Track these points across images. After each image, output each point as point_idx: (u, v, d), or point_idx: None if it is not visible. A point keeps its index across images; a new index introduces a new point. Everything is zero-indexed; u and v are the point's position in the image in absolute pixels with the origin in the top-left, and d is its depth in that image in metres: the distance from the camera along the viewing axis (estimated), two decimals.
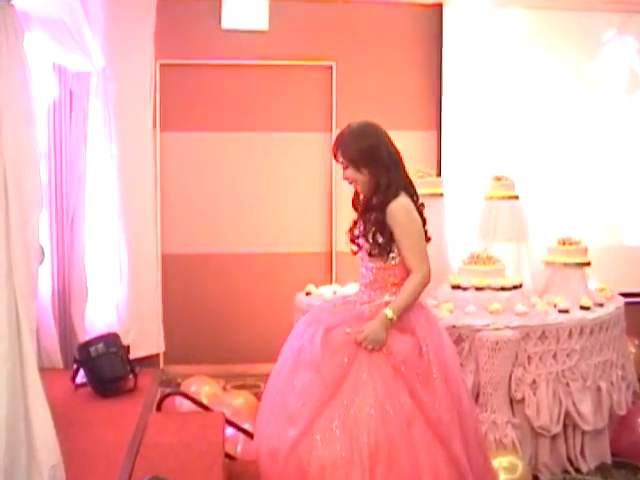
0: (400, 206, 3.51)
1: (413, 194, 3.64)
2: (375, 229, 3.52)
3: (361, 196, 3.66)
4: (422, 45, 6.65)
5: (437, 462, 3.32)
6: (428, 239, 3.64)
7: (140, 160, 6.10)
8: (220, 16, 6.34)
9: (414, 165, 5.64)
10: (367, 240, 3.56)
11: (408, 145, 6.41)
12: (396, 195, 3.52)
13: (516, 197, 5.33)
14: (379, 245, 3.52)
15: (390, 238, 3.51)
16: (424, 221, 3.63)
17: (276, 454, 3.44)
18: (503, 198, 5.29)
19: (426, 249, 3.59)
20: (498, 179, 5.35)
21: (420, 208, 3.64)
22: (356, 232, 3.65)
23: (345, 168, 3.58)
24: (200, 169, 6.50)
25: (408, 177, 3.66)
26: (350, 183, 3.62)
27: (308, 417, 3.40)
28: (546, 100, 6.60)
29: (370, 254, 3.55)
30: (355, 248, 3.68)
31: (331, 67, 6.53)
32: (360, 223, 3.63)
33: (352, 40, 6.54)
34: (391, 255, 3.53)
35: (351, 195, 3.75)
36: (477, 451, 3.54)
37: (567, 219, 6.41)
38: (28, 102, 3.57)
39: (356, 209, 3.71)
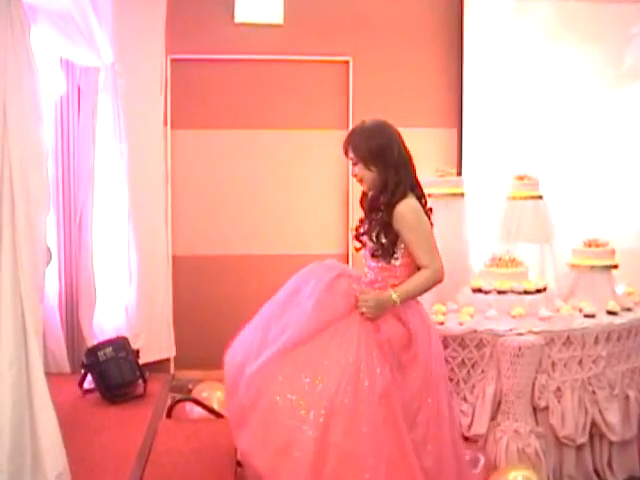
0: (407, 207, 3.61)
1: (421, 196, 3.74)
2: (380, 229, 3.63)
3: (369, 194, 3.76)
4: (442, 39, 6.63)
5: (402, 439, 3.39)
6: None
7: (150, 158, 6.10)
8: (233, 9, 6.33)
9: (434, 164, 5.68)
10: (371, 239, 3.67)
11: (428, 143, 6.51)
12: (404, 196, 3.63)
13: (540, 197, 5.30)
14: (382, 246, 3.62)
15: (394, 239, 3.61)
16: (431, 225, 3.73)
17: (242, 369, 3.56)
18: (526, 198, 5.27)
19: (437, 248, 3.67)
20: (521, 178, 5.33)
21: (427, 212, 3.74)
22: (361, 230, 3.77)
23: (354, 164, 3.71)
24: (212, 168, 6.50)
25: (417, 179, 3.76)
26: (358, 180, 3.74)
27: (283, 345, 3.50)
28: (571, 95, 6.56)
29: (373, 255, 3.66)
30: (358, 245, 3.80)
31: (348, 62, 6.52)
32: (366, 222, 3.75)
33: (369, 34, 6.53)
34: (394, 256, 3.63)
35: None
36: (452, 461, 3.62)
37: (593, 220, 6.35)
38: (34, 98, 3.58)
39: (363, 209, 3.82)
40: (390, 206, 3.60)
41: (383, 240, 3.62)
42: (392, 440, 3.37)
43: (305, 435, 3.32)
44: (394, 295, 3.57)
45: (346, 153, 3.72)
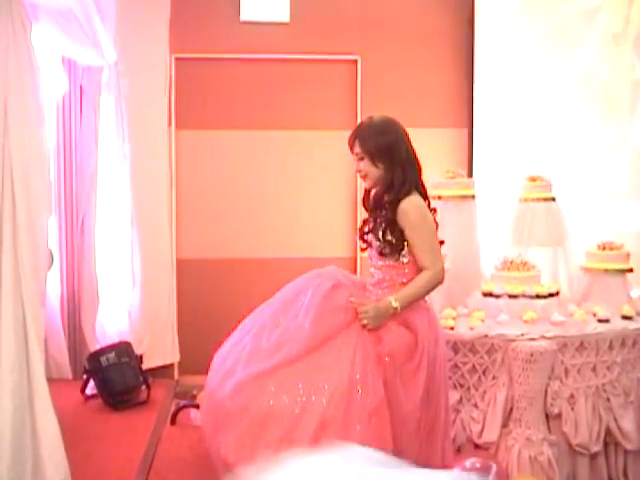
0: (411, 204, 3.62)
1: (425, 197, 3.76)
2: (385, 227, 3.65)
3: (372, 192, 3.79)
4: (453, 38, 6.62)
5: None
6: (441, 242, 3.76)
7: (154, 159, 6.11)
8: (239, 7, 6.33)
9: (444, 165, 5.67)
10: (377, 238, 3.68)
11: (438, 143, 6.51)
12: (408, 194, 3.65)
13: (552, 199, 5.29)
14: (390, 244, 3.63)
15: (400, 236, 3.62)
16: (436, 226, 3.75)
17: (229, 376, 3.57)
18: (539, 200, 5.25)
19: (439, 248, 3.70)
20: (533, 180, 5.32)
21: (432, 213, 3.75)
22: (365, 229, 3.78)
23: (360, 159, 3.71)
24: (217, 169, 6.50)
25: (421, 180, 3.77)
26: (361, 177, 3.76)
27: (281, 359, 3.51)
28: (585, 95, 6.53)
29: (381, 253, 3.67)
30: (364, 245, 3.81)
31: (356, 61, 6.51)
32: (370, 220, 3.76)
33: (378, 32, 6.52)
34: (402, 253, 3.64)
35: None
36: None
37: (607, 222, 6.33)
38: (36, 98, 3.59)
39: (366, 208, 3.84)
40: (395, 203, 3.62)
41: (389, 237, 3.63)
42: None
43: (295, 445, 3.31)
44: (394, 303, 3.57)
45: (352, 148, 3.73)
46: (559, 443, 4.43)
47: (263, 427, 3.38)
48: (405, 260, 3.65)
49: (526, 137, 6.53)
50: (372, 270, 3.79)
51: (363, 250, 3.86)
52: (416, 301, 3.66)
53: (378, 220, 3.69)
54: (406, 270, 3.67)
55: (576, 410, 4.44)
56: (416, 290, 3.62)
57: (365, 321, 3.55)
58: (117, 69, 5.76)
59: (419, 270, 3.65)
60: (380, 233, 3.65)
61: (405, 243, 3.62)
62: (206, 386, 3.79)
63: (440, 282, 3.68)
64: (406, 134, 3.73)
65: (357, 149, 3.70)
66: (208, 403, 3.69)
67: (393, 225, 3.62)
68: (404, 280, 3.66)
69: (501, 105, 6.55)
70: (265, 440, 3.36)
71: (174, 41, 6.19)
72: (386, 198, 3.67)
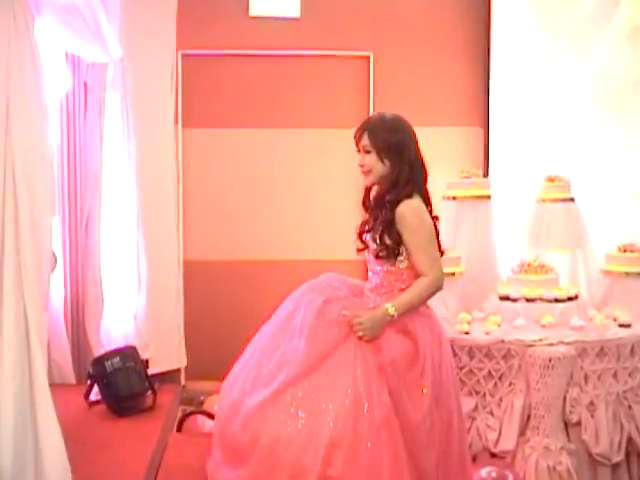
0: (409, 206, 3.60)
1: (428, 204, 3.74)
2: (383, 228, 3.61)
3: (373, 190, 3.76)
4: (468, 33, 6.59)
5: (401, 471, 3.39)
6: (442, 252, 3.74)
7: (160, 159, 6.09)
8: (247, 2, 6.32)
9: (459, 164, 5.65)
10: (375, 240, 3.65)
11: (453, 142, 6.49)
12: (410, 196, 3.62)
13: (571, 199, 5.27)
14: (386, 246, 3.60)
15: (398, 239, 3.59)
16: (437, 234, 3.72)
17: (237, 409, 3.58)
18: (557, 200, 5.24)
19: (438, 253, 3.68)
20: (551, 180, 5.30)
21: (434, 220, 3.72)
22: (365, 228, 3.75)
23: (366, 153, 3.69)
24: (225, 168, 6.49)
25: (426, 187, 3.75)
26: (364, 172, 3.72)
27: (280, 385, 3.51)
28: (604, 92, 6.50)
29: (377, 256, 3.64)
30: (361, 245, 3.77)
31: (368, 58, 6.49)
32: (370, 220, 3.74)
33: (391, 28, 6.49)
34: (399, 258, 3.62)
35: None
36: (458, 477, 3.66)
37: (628, 224, 6.29)
38: (39, 95, 3.58)
39: (366, 208, 3.82)
40: (395, 203, 3.60)
41: (387, 241, 3.60)
42: (392, 470, 3.37)
43: (307, 470, 3.33)
44: (391, 310, 3.54)
45: (358, 141, 3.71)
46: (578, 452, 4.41)
47: (274, 456, 3.40)
48: (402, 265, 3.63)
49: (543, 136, 6.49)
50: (370, 275, 3.77)
51: (359, 251, 3.81)
52: (414, 308, 3.62)
53: (377, 221, 3.66)
54: (404, 276, 3.64)
55: (596, 418, 4.42)
56: (413, 297, 3.59)
57: (361, 333, 3.53)
58: (123, 66, 5.74)
59: (417, 276, 3.63)
60: (378, 235, 3.63)
61: (402, 248, 3.60)
62: (216, 416, 3.83)
63: (439, 288, 3.64)
64: (415, 136, 3.71)
65: (365, 142, 3.68)
66: (220, 438, 3.70)
67: (391, 227, 3.59)
68: (402, 286, 3.64)
69: (518, 103, 6.51)
70: (278, 469, 3.37)
71: (181, 37, 6.16)
72: (387, 197, 3.64)
